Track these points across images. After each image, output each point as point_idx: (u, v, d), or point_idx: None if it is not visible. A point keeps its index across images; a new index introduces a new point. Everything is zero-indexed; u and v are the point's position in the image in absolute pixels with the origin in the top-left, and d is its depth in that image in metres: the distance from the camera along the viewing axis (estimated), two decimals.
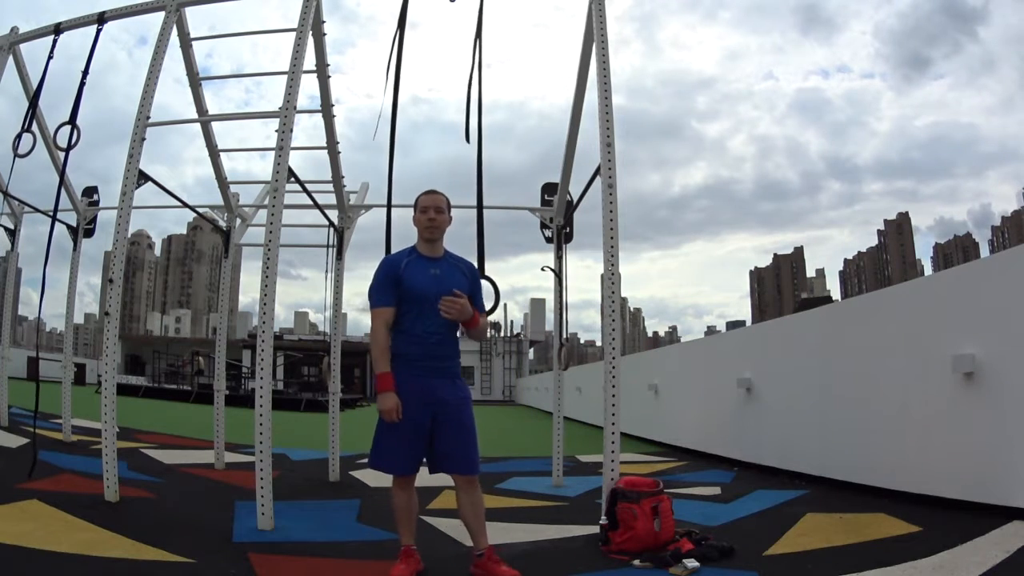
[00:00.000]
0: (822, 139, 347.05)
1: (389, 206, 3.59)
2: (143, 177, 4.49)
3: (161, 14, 4.70)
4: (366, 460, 6.84)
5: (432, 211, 2.86)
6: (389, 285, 2.79)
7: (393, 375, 2.73)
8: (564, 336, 5.73)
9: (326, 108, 5.32)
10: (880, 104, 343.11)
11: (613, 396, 3.64)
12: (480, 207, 3.70)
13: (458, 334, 2.93)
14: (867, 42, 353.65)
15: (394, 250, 3.05)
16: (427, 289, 2.78)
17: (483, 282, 3.10)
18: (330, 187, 5.82)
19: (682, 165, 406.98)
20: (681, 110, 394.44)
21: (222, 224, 6.31)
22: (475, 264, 3.07)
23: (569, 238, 5.79)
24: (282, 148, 3.92)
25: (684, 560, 2.96)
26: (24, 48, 6.00)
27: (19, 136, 5.20)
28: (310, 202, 5.44)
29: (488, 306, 3.12)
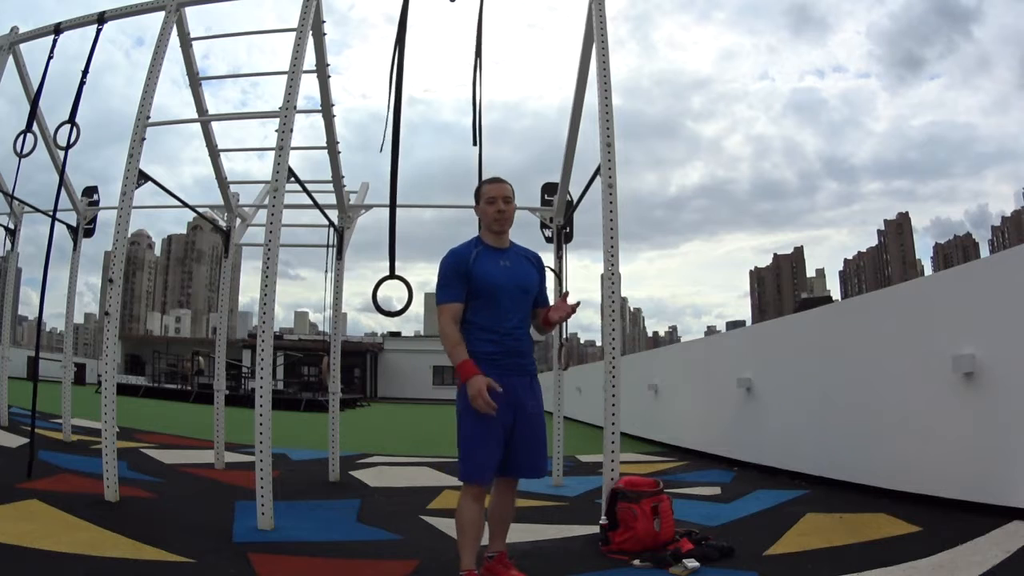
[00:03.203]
0: (819, 139, 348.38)
1: (393, 206, 3.59)
2: (143, 177, 4.49)
3: (161, 14, 4.70)
4: (366, 460, 6.87)
5: (501, 201, 2.68)
6: (457, 279, 2.60)
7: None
8: (564, 336, 5.73)
9: (326, 108, 5.31)
10: (876, 104, 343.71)
11: (613, 396, 3.64)
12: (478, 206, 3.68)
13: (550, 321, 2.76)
14: (860, 42, 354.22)
15: (397, 248, 2.98)
16: (499, 281, 2.61)
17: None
18: (330, 187, 5.82)
19: (679, 165, 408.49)
20: (677, 110, 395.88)
21: (222, 224, 6.31)
22: (540, 255, 2.86)
23: (569, 238, 5.79)
24: (282, 148, 3.92)
25: (684, 560, 2.96)
26: (23, 48, 6.01)
27: (20, 136, 5.21)
28: (310, 202, 5.44)
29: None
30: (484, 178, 2.84)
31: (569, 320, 5.44)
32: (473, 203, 2.82)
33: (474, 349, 2.56)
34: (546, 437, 2.74)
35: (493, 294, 2.59)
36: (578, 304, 2.68)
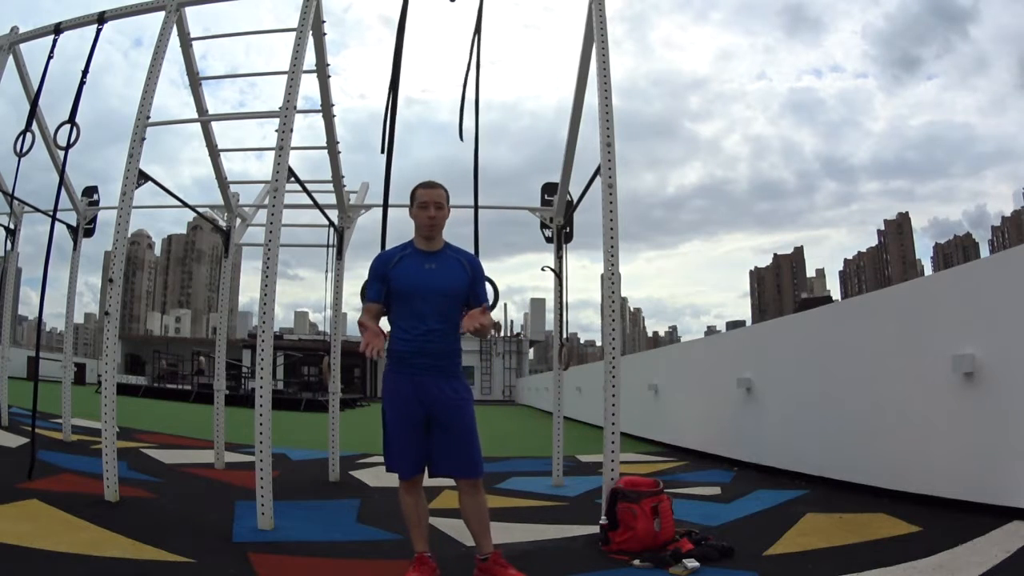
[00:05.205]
0: (816, 139, 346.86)
1: (385, 206, 3.59)
2: (143, 177, 4.49)
3: (160, 14, 4.70)
4: (366, 460, 6.87)
5: (432, 207, 2.73)
6: (375, 281, 2.75)
7: (387, 372, 2.73)
8: (564, 336, 5.73)
9: (326, 108, 5.32)
10: (874, 104, 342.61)
11: (613, 396, 3.64)
12: (476, 207, 3.69)
13: (461, 332, 2.79)
14: (856, 43, 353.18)
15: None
16: (414, 285, 2.69)
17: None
18: (329, 187, 5.82)
19: (676, 165, 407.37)
20: (674, 110, 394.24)
21: (222, 224, 6.31)
22: (476, 256, 2.93)
23: (569, 238, 5.79)
24: (282, 148, 3.92)
25: (684, 560, 2.96)
26: (23, 48, 6.00)
27: (20, 136, 5.21)
28: (310, 202, 5.44)
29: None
30: (421, 181, 2.84)
31: (568, 320, 5.51)
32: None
33: (391, 347, 2.73)
34: (472, 436, 2.72)
35: (406, 297, 2.70)
36: (494, 323, 2.67)
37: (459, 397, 2.73)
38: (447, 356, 2.74)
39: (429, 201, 2.73)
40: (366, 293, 2.78)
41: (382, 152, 3.83)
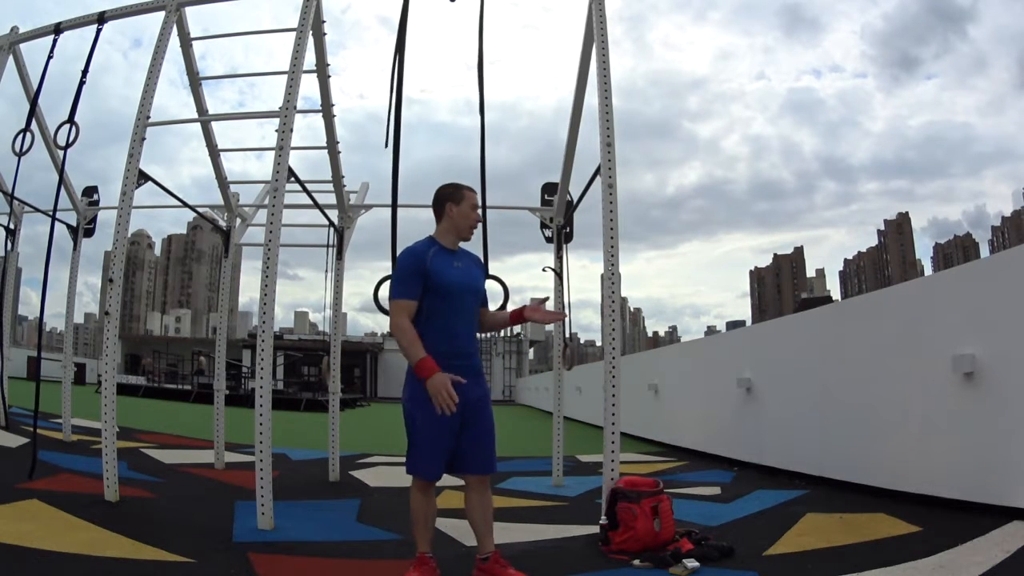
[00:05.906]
0: (816, 139, 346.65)
1: (394, 206, 3.58)
2: (143, 177, 4.49)
3: (160, 14, 4.70)
4: (366, 460, 6.86)
5: (478, 211, 2.82)
6: (415, 277, 2.60)
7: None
8: (567, 336, 5.72)
9: (326, 108, 5.31)
10: (873, 104, 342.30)
11: (613, 396, 3.63)
12: (484, 207, 3.68)
13: (540, 322, 2.91)
14: (855, 43, 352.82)
15: (398, 248, 3.01)
16: (456, 283, 2.66)
17: (492, 282, 3.09)
18: (329, 187, 5.82)
19: (676, 165, 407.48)
20: (673, 110, 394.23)
21: (222, 224, 6.31)
22: (486, 257, 3.05)
23: (569, 238, 5.79)
24: (282, 148, 3.92)
25: (684, 560, 2.96)
26: (23, 48, 6.00)
27: (19, 135, 5.21)
28: (310, 202, 5.44)
29: (496, 306, 3.11)
30: (457, 182, 2.83)
31: (566, 320, 5.49)
32: (445, 203, 2.76)
33: (429, 348, 2.57)
34: (493, 432, 2.74)
35: (448, 294, 2.63)
36: (563, 314, 2.88)
37: (485, 394, 2.75)
38: (476, 355, 2.75)
39: (477, 204, 2.80)
40: (402, 289, 2.61)
41: (386, 146, 3.80)
